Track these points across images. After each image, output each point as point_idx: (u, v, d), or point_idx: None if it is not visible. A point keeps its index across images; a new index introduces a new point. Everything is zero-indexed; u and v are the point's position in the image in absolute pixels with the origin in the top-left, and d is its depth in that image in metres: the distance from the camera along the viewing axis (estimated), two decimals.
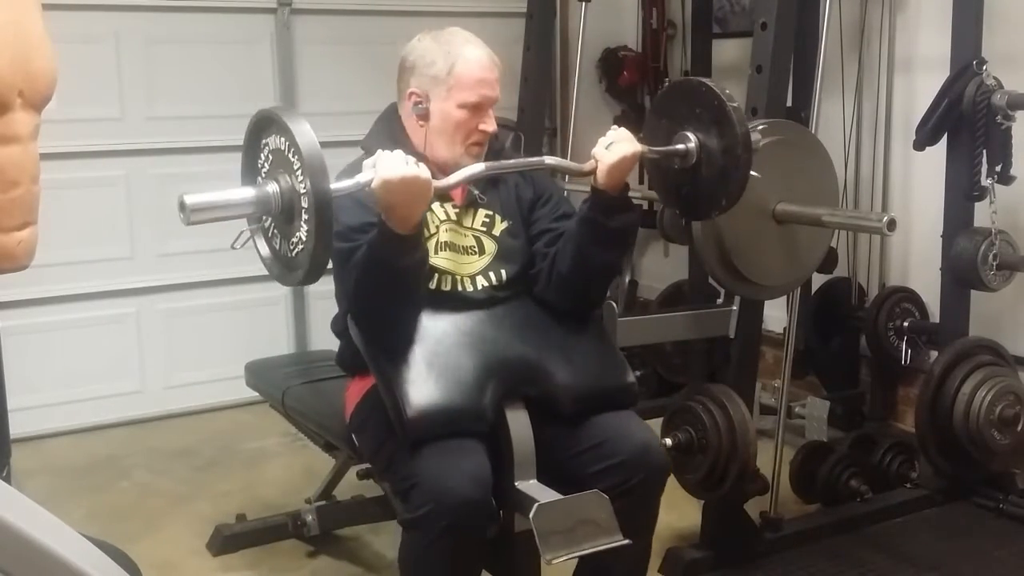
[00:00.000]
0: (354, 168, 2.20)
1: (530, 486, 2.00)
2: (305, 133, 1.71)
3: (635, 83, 4.79)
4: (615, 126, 2.17)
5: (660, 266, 4.89)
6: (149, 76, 3.98)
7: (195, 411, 4.13)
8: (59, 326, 3.94)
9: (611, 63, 4.81)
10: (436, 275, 2.16)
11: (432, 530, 1.91)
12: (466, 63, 2.15)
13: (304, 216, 1.71)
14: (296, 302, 4.35)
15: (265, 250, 1.87)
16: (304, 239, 1.73)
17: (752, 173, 2.10)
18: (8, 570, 0.90)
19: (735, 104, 2.06)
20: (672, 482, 2.62)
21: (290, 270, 1.81)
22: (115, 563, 1.06)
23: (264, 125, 1.82)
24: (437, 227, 2.18)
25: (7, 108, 1.37)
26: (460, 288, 2.16)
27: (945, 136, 3.11)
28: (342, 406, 2.35)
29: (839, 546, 2.93)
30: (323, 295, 4.18)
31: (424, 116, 2.19)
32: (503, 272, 2.20)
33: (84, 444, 3.85)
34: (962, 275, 3.13)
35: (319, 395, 2.71)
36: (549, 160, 2.22)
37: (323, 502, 2.99)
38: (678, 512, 2.87)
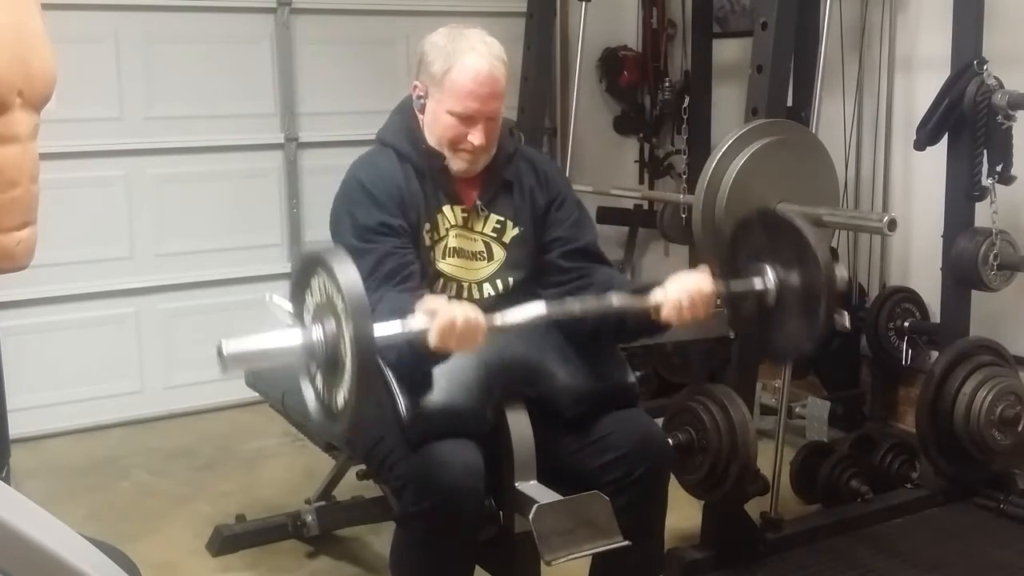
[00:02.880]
0: (370, 159, 2.20)
1: (530, 487, 1.99)
2: (350, 277, 1.59)
3: (635, 83, 4.79)
4: (702, 267, 2.00)
5: (660, 266, 4.88)
6: (148, 76, 3.98)
7: (195, 411, 4.13)
8: (59, 326, 3.93)
9: (611, 63, 4.81)
10: (442, 280, 2.15)
11: (424, 526, 1.92)
12: (460, 71, 2.08)
13: (347, 366, 1.60)
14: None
15: (311, 396, 1.76)
16: (346, 391, 1.62)
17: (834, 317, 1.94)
18: (8, 570, 0.89)
19: (821, 244, 1.93)
20: (672, 482, 2.62)
21: (333, 420, 1.72)
22: (114, 563, 1.06)
23: (311, 266, 1.71)
24: (447, 231, 2.16)
25: (6, 108, 1.37)
26: (466, 295, 2.15)
27: (946, 136, 3.11)
28: None
29: (839, 546, 2.93)
30: None
31: (421, 111, 2.18)
32: (510, 279, 2.19)
33: (84, 444, 3.84)
34: (963, 275, 3.13)
35: None
36: (616, 301, 1.97)
37: (323, 502, 2.99)
38: (678, 512, 2.85)
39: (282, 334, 1.69)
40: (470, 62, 2.08)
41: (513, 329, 1.89)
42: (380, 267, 2.03)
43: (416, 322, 1.75)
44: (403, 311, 1.79)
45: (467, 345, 1.79)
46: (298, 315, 1.75)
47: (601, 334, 2.12)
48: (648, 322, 2.01)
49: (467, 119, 2.10)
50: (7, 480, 2.37)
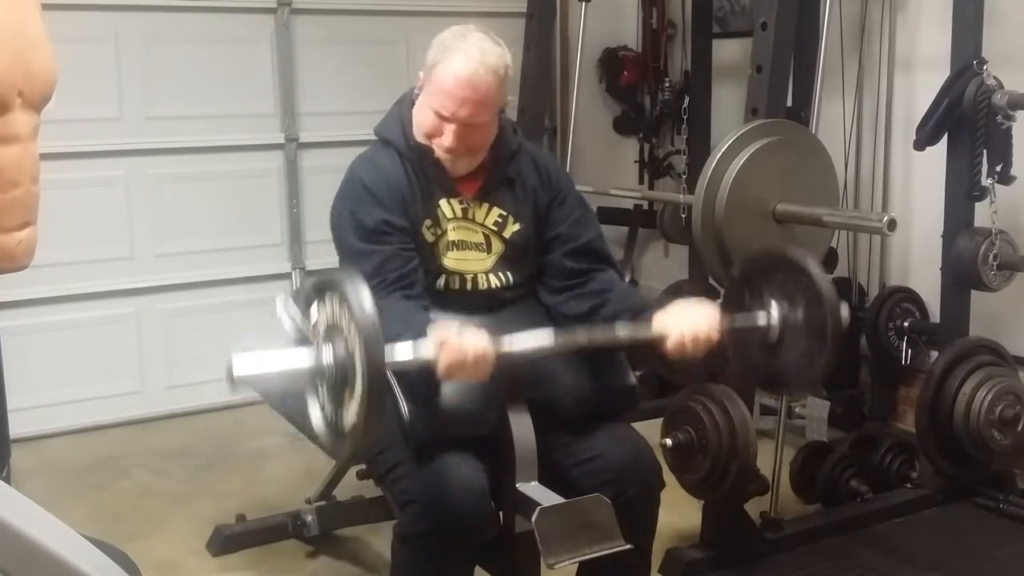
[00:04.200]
0: (370, 157, 2.19)
1: (531, 488, 1.99)
2: (363, 302, 1.59)
3: (635, 83, 4.79)
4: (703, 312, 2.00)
5: (660, 266, 4.89)
6: (149, 76, 3.98)
7: (195, 411, 4.13)
8: (59, 326, 3.93)
9: (611, 63, 4.81)
10: (444, 276, 2.15)
11: (425, 548, 1.92)
12: (443, 70, 2.06)
13: (358, 390, 1.61)
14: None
15: (317, 415, 1.75)
16: (355, 413, 1.62)
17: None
18: (8, 570, 0.89)
19: (827, 281, 1.95)
20: (672, 482, 2.62)
21: (339, 441, 1.71)
22: (115, 563, 1.06)
23: (323, 287, 1.72)
24: (447, 224, 2.15)
25: (7, 108, 1.37)
26: (468, 287, 2.15)
27: (945, 136, 3.11)
28: None
29: (839, 546, 2.93)
30: None
31: (413, 102, 2.18)
32: (509, 275, 2.19)
33: (84, 444, 3.85)
34: (962, 275, 3.13)
35: None
36: (622, 333, 2.01)
37: (323, 502, 2.99)
38: (678, 512, 2.86)
39: (292, 354, 1.69)
40: (455, 63, 2.06)
41: (519, 357, 1.90)
42: (385, 270, 2.02)
43: (427, 350, 1.76)
44: (408, 323, 1.82)
45: (474, 377, 1.81)
46: (308, 332, 1.75)
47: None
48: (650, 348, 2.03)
49: (441, 117, 2.09)
50: (7, 480, 2.37)
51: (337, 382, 1.65)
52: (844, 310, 1.97)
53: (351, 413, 1.62)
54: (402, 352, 1.74)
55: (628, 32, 4.83)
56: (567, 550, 1.84)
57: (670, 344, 1.98)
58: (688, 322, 1.98)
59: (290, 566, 2.91)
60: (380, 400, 1.61)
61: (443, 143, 2.09)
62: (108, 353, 4.03)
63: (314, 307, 1.72)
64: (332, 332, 1.66)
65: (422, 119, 2.12)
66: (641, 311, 2.08)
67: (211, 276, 4.16)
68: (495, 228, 2.19)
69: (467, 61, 2.06)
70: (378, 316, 1.59)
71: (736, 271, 2.22)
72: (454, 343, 1.76)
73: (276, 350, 1.69)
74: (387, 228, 2.06)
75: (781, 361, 2.04)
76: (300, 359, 1.68)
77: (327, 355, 1.65)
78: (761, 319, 2.04)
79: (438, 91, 2.07)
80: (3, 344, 2.72)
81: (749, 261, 2.21)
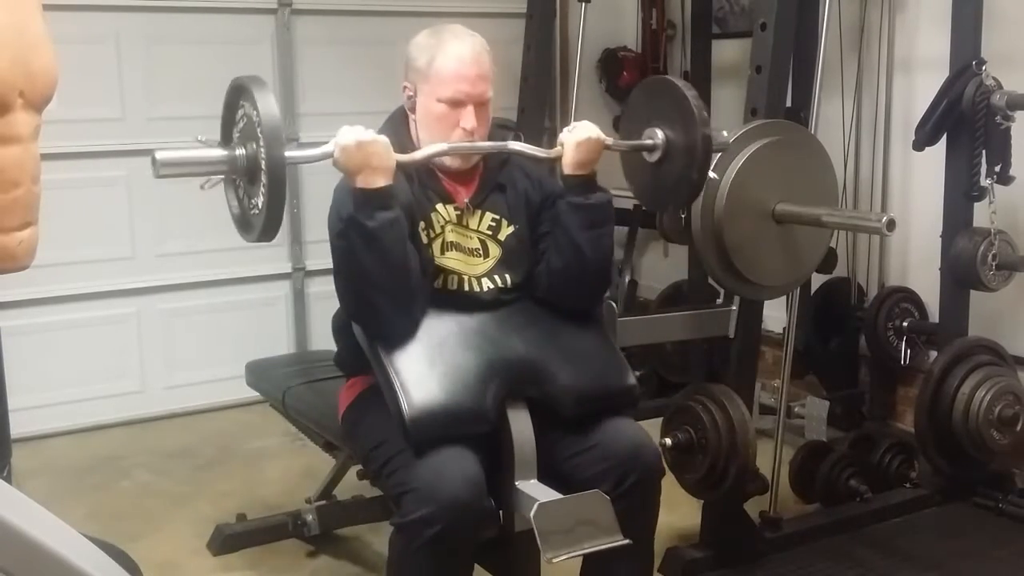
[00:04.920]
0: None
1: (531, 486, 2.00)
2: (268, 103, 1.84)
3: (635, 83, 4.77)
4: (584, 123, 2.24)
5: (660, 266, 4.89)
6: (149, 76, 3.99)
7: (195, 411, 4.13)
8: (59, 326, 3.94)
9: (611, 63, 4.81)
10: (443, 275, 2.16)
11: (422, 535, 1.92)
12: (445, 57, 2.13)
13: (263, 180, 1.83)
14: (296, 302, 4.36)
15: (234, 204, 2.00)
16: (261, 201, 1.85)
17: (712, 175, 2.23)
18: (8, 570, 0.90)
19: (699, 103, 2.12)
20: (672, 482, 2.63)
21: (248, 228, 1.95)
22: (115, 563, 1.07)
23: (239, 92, 1.95)
24: (442, 227, 2.17)
25: (8, 108, 1.37)
26: (467, 288, 2.16)
27: (945, 136, 3.11)
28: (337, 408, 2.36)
29: (839, 546, 2.94)
30: (323, 295, 4.19)
31: (412, 109, 2.21)
32: (508, 277, 2.20)
33: (84, 444, 3.85)
34: (961, 275, 3.14)
35: (319, 395, 2.71)
36: (513, 145, 2.19)
37: (323, 502, 2.99)
38: (678, 512, 2.87)
39: (210, 150, 1.92)
40: (453, 48, 2.14)
41: (421, 161, 2.10)
42: None
43: (327, 147, 1.99)
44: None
45: (374, 161, 1.97)
46: (227, 136, 1.96)
47: (572, 253, 2.19)
48: (572, 180, 2.18)
49: (456, 103, 2.14)
50: (8, 480, 2.38)
51: (248, 173, 1.88)
52: (719, 135, 2.18)
53: (260, 197, 1.86)
54: (305, 153, 2.02)
55: (628, 32, 4.83)
56: (566, 545, 1.85)
57: (565, 156, 2.17)
58: (578, 133, 2.17)
59: (290, 566, 2.91)
60: (280, 187, 1.82)
61: (465, 126, 2.14)
62: (108, 353, 4.04)
63: (235, 115, 1.95)
64: (247, 131, 1.89)
65: (432, 119, 2.16)
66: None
67: (211, 276, 4.17)
68: (490, 232, 2.21)
69: (463, 43, 2.15)
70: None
71: (629, 99, 2.41)
72: (347, 127, 1.99)
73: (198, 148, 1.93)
74: None
75: (662, 178, 2.21)
76: (217, 152, 1.91)
77: (240, 150, 1.88)
78: (647, 139, 2.21)
79: (447, 80, 2.13)
80: (3, 344, 2.73)
81: (639, 89, 2.38)
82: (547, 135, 4.62)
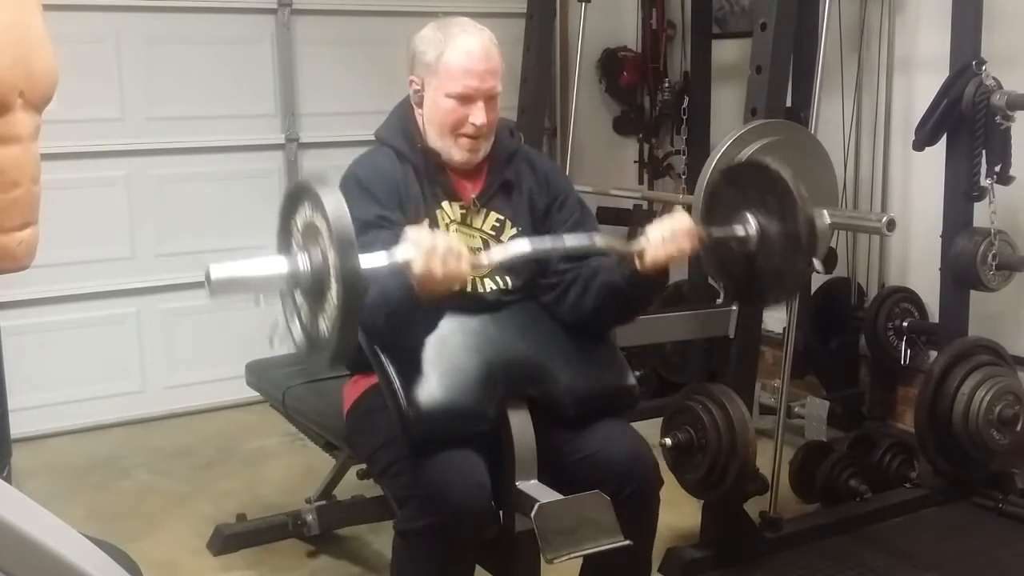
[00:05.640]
0: (368, 157, 2.20)
1: (531, 486, 2.00)
2: (337, 204, 1.60)
3: (635, 83, 4.79)
4: (678, 207, 2.05)
5: None
6: (149, 76, 3.99)
7: (195, 411, 4.13)
8: (59, 326, 3.94)
9: (611, 63, 4.81)
10: None
11: (426, 541, 1.92)
12: (454, 51, 2.10)
13: (333, 295, 1.62)
14: None
15: (296, 327, 1.77)
16: (331, 318, 1.63)
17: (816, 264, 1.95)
18: (8, 570, 0.90)
19: (798, 184, 1.94)
20: (672, 482, 2.63)
21: (317, 350, 1.73)
22: (115, 563, 1.06)
23: (298, 196, 1.73)
24: (447, 227, 2.16)
25: (8, 109, 1.37)
26: (469, 289, 2.15)
27: (944, 136, 3.11)
28: (341, 405, 2.36)
29: (839, 546, 2.94)
30: None
31: (419, 104, 2.19)
32: (509, 279, 2.19)
33: (84, 444, 3.85)
34: (961, 275, 3.14)
35: (319, 395, 2.71)
36: (599, 240, 2.05)
37: (323, 502, 2.99)
38: (678, 512, 2.87)
39: (269, 261, 1.69)
40: (462, 42, 2.10)
41: (499, 264, 1.95)
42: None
43: (401, 251, 1.78)
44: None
45: (451, 274, 1.81)
46: (284, 243, 1.75)
47: (603, 308, 2.12)
48: (642, 278, 2.03)
49: (466, 99, 2.11)
50: (8, 479, 2.38)
51: (314, 287, 1.65)
52: (822, 219, 1.97)
53: (328, 319, 1.63)
54: (377, 257, 1.75)
55: (628, 33, 4.83)
56: (567, 546, 1.84)
57: (648, 254, 1.98)
58: (665, 231, 1.98)
59: (290, 565, 2.91)
60: (355, 305, 1.60)
61: (475, 122, 2.11)
62: (108, 353, 4.04)
63: (293, 221, 1.72)
64: (308, 239, 1.66)
65: (441, 115, 2.13)
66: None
67: None
68: (493, 233, 2.20)
69: (472, 37, 2.11)
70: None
71: (714, 182, 2.20)
72: (428, 236, 1.80)
73: (254, 258, 1.68)
74: (382, 222, 2.06)
75: (758, 272, 2.02)
76: (277, 265, 1.68)
77: (303, 261, 1.66)
78: (739, 229, 2.02)
79: (456, 75, 2.09)
80: (3, 344, 2.73)
81: (727, 172, 2.19)
82: (547, 135, 4.63)
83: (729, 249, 2.04)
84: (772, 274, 2.00)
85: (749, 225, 2.00)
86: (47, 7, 1.47)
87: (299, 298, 1.74)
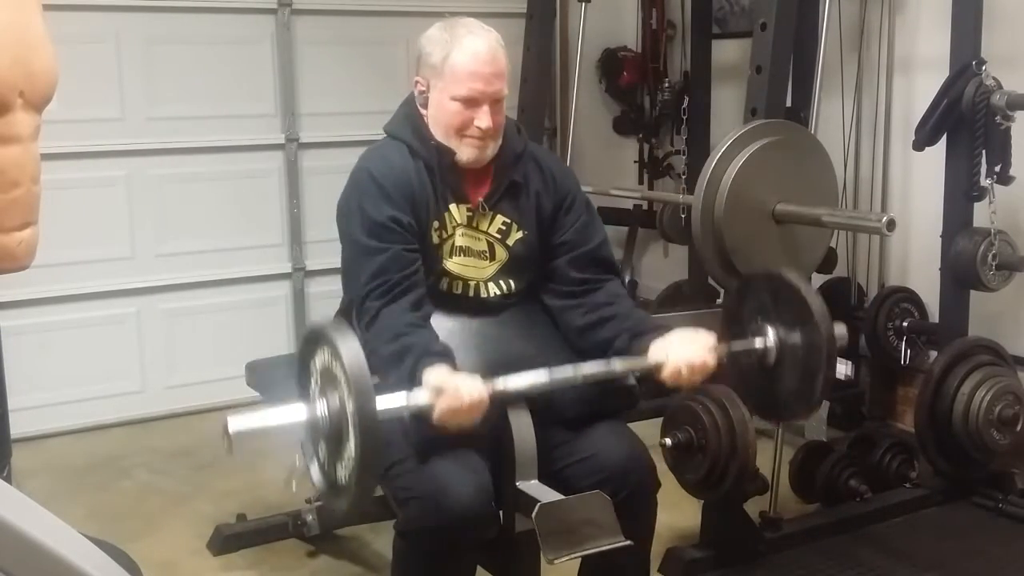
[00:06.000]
0: (381, 151, 2.18)
1: (531, 486, 1.99)
2: (352, 350, 1.61)
3: (635, 83, 4.79)
4: (702, 336, 2.00)
5: (660, 266, 4.89)
6: (149, 76, 3.99)
7: (195, 411, 4.13)
8: (59, 326, 3.94)
9: (611, 63, 4.81)
10: (448, 279, 2.14)
11: (427, 543, 1.92)
12: (460, 54, 2.07)
13: (351, 446, 1.63)
14: (296, 302, 4.36)
15: (315, 470, 1.78)
16: (350, 464, 1.64)
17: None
18: (8, 570, 0.90)
19: (817, 299, 1.95)
20: (672, 482, 2.63)
21: (336, 495, 1.75)
22: (115, 563, 1.06)
23: (316, 339, 1.74)
24: (453, 229, 2.14)
25: (8, 109, 1.36)
26: (471, 292, 2.15)
27: (944, 136, 3.11)
28: None
29: (839, 546, 2.93)
30: (323, 295, 4.20)
31: (424, 105, 2.16)
32: (512, 283, 2.18)
33: (84, 444, 3.85)
34: (961, 275, 3.13)
35: None
36: (618, 366, 2.04)
37: (323, 502, 2.99)
38: (678, 512, 2.87)
39: (287, 410, 1.71)
40: (469, 44, 2.08)
41: (516, 396, 1.94)
42: (388, 271, 2.01)
43: (421, 397, 1.79)
44: (405, 350, 1.88)
45: (468, 423, 1.82)
46: (303, 386, 1.77)
47: (608, 351, 2.12)
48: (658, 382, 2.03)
49: (471, 102, 2.08)
50: (8, 479, 2.38)
51: (332, 435, 1.67)
52: (840, 330, 1.97)
53: (345, 468, 1.65)
54: (396, 400, 1.76)
55: (628, 33, 4.83)
56: (567, 546, 1.84)
57: (666, 374, 1.99)
58: (684, 352, 1.98)
59: (291, 565, 2.91)
60: (374, 453, 1.62)
61: (480, 125, 2.09)
62: (108, 353, 4.04)
63: (311, 365, 1.73)
64: (326, 385, 1.68)
65: (446, 116, 2.11)
66: (639, 335, 2.08)
67: (211, 276, 4.17)
68: (499, 236, 2.18)
69: (478, 39, 2.08)
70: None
71: (732, 294, 2.22)
72: (451, 390, 1.78)
73: (271, 407, 1.71)
74: (393, 225, 2.04)
75: (778, 385, 2.05)
76: (295, 414, 1.70)
77: (321, 408, 1.67)
78: (758, 343, 2.04)
79: (462, 77, 2.07)
80: (3, 344, 2.73)
81: (745, 283, 2.21)
82: (547, 135, 4.63)
83: (747, 361, 2.06)
84: (792, 389, 2.02)
85: (768, 338, 2.02)
86: (47, 7, 1.47)
87: (319, 443, 1.74)
